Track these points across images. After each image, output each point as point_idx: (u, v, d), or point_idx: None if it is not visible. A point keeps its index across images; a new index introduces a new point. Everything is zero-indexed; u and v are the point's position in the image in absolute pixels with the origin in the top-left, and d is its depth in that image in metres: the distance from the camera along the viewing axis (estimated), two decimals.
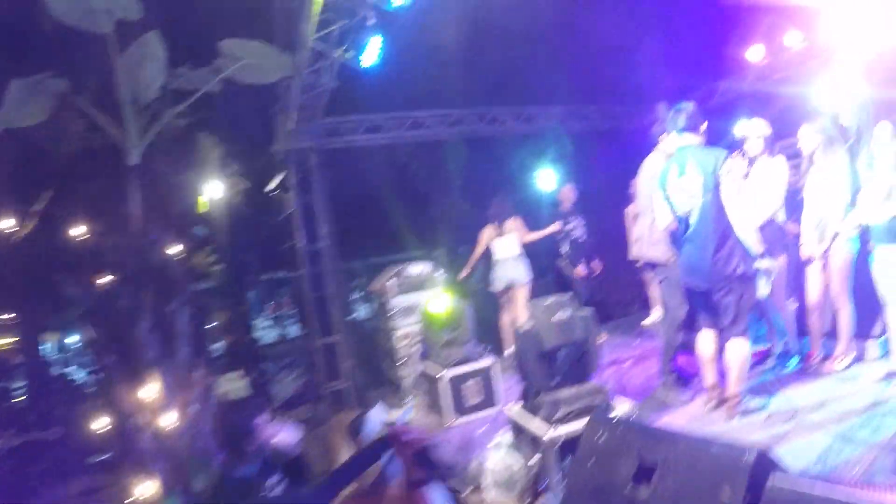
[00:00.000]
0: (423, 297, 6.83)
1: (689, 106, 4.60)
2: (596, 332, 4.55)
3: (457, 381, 5.81)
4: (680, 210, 4.47)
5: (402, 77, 8.38)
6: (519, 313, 7.43)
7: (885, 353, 4.92)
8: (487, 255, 7.74)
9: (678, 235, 4.60)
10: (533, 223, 7.90)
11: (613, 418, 3.22)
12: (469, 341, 6.12)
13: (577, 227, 8.08)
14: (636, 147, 5.60)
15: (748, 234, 4.29)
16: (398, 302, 6.96)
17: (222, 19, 7.27)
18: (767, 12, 7.54)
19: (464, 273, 7.85)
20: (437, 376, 5.87)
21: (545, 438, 4.03)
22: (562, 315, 4.25)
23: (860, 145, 4.51)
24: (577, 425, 3.94)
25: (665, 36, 9.32)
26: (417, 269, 7.16)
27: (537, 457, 4.15)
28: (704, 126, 4.61)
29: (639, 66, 9.93)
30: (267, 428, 5.29)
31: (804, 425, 4.23)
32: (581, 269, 8.03)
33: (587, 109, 10.10)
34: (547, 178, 9.42)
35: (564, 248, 8.14)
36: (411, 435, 2.86)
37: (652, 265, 5.44)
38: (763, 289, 4.37)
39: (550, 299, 4.40)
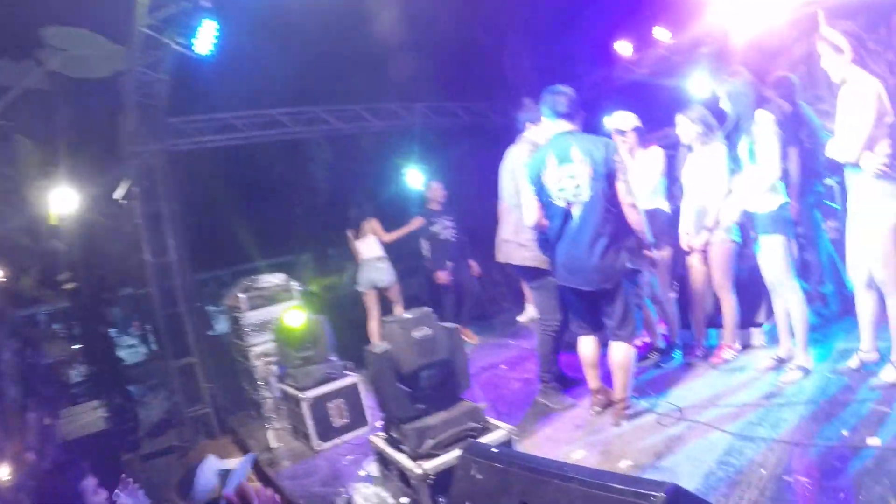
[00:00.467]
0: (277, 311, 5.75)
1: (568, 90, 3.90)
2: (462, 345, 3.78)
3: (319, 403, 4.86)
4: (558, 201, 3.77)
5: (257, 72, 7.39)
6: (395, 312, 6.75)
7: (771, 342, 4.56)
8: None
9: (551, 232, 3.89)
10: (401, 223, 7.17)
11: (490, 449, 2.44)
12: (328, 358, 5.16)
13: (447, 227, 7.32)
14: (506, 143, 4.87)
15: (642, 225, 3.70)
16: (251, 317, 5.83)
17: (48, 5, 6.06)
18: (635, 6, 7.13)
19: None
20: (298, 398, 4.91)
21: (414, 474, 3.21)
22: (421, 332, 3.40)
23: (739, 133, 4.01)
24: (451, 455, 3.20)
25: (531, 31, 8.82)
26: (269, 281, 6.04)
27: (408, 497, 3.31)
28: (583, 113, 3.96)
29: (504, 62, 9.39)
30: (95, 495, 4.16)
31: (699, 425, 3.74)
32: (445, 274, 7.28)
33: (451, 106, 9.36)
34: (414, 176, 8.65)
35: (427, 249, 7.40)
36: (263, 499, 1.98)
37: (523, 270, 4.58)
38: (648, 277, 3.81)
39: (406, 315, 3.56)
